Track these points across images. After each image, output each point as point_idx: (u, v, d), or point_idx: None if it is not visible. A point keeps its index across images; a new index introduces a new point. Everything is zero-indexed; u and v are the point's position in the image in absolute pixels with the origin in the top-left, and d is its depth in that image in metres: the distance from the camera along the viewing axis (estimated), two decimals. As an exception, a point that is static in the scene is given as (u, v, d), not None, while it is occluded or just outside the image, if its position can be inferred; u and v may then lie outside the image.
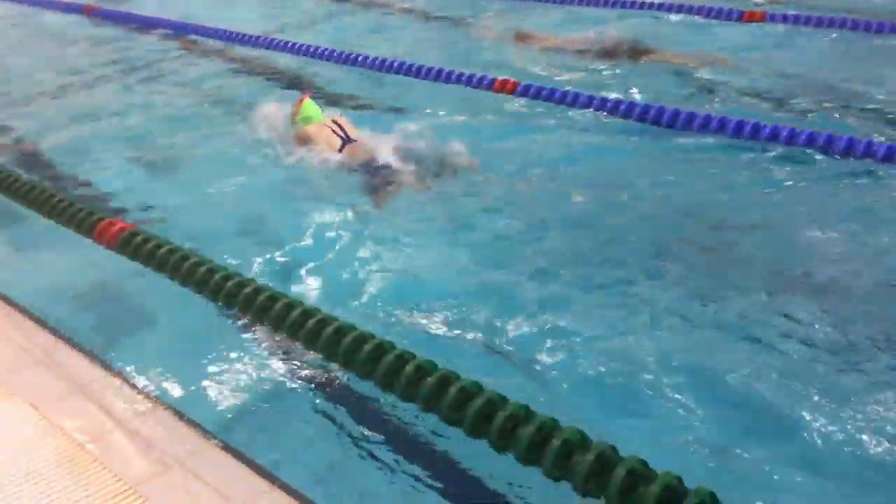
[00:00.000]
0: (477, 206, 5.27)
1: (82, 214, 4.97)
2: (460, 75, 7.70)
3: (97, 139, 6.90)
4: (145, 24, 10.78)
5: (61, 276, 4.64)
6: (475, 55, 8.82)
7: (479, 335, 3.91)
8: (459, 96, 7.39)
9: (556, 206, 5.27)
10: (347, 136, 6.13)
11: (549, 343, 3.81)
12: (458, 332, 3.95)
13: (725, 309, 4.07)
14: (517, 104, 7.16)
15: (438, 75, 7.85)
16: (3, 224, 5.45)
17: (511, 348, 3.84)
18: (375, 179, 5.68)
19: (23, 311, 4.06)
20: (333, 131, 6.16)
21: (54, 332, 3.85)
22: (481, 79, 7.56)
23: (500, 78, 7.48)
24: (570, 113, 6.79)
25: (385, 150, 5.83)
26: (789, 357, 3.68)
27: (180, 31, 10.33)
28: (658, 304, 4.09)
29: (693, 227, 4.97)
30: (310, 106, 6.47)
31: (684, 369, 3.59)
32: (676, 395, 3.44)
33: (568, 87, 7.18)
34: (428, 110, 7.07)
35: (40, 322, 3.94)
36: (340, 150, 6.04)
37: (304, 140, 6.23)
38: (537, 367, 3.68)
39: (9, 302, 4.15)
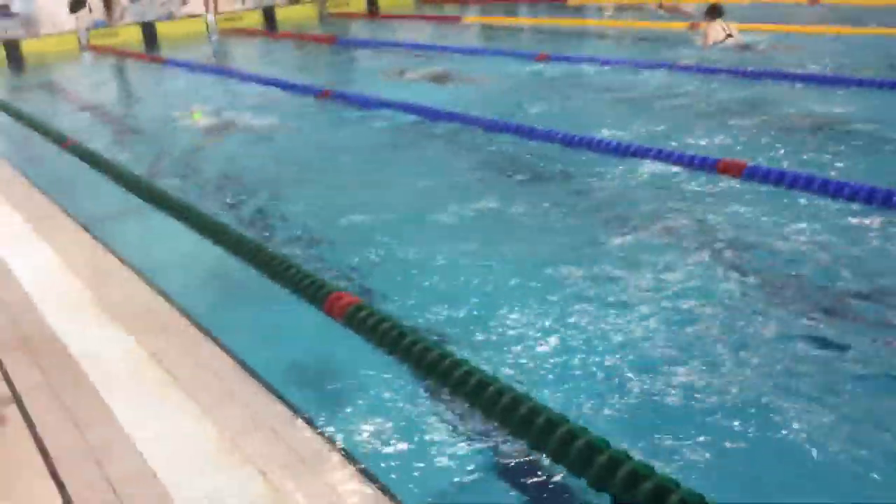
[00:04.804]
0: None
1: (314, 287, 5.32)
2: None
3: (341, 213, 7.19)
4: (377, 106, 11.55)
5: (295, 346, 4.94)
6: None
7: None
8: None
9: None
10: None
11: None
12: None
13: None
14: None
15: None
16: (247, 294, 5.89)
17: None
18: None
19: (257, 377, 4.37)
20: None
21: (284, 401, 4.11)
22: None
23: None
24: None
25: None
26: None
27: (405, 111, 10.99)
28: None
29: None
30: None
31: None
32: None
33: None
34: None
35: (272, 390, 4.22)
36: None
37: None
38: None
39: (246, 368, 4.49)
